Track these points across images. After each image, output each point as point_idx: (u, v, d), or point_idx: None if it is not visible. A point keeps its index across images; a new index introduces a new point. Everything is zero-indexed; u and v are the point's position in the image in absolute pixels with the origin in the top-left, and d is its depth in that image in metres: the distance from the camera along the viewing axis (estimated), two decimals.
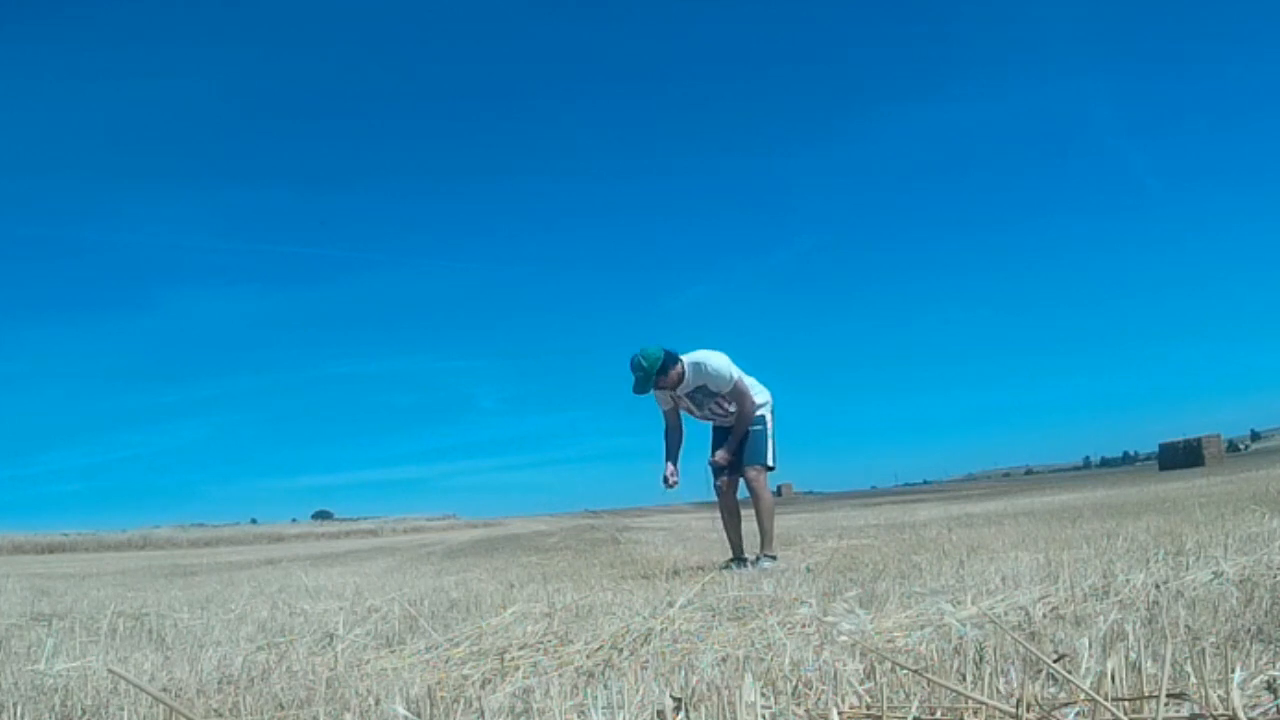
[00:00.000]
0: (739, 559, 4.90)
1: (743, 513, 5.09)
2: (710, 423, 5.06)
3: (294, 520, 49.05)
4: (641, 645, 2.19)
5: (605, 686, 1.71)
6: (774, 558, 4.79)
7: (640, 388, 4.79)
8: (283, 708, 1.83)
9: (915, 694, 1.43)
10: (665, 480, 4.92)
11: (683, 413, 5.05)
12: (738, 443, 4.88)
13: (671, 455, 5.00)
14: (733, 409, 4.87)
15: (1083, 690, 1.20)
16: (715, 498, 5.05)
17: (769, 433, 4.93)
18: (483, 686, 1.94)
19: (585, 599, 3.37)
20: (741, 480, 4.95)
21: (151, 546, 29.60)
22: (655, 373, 4.77)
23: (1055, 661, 1.51)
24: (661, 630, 2.31)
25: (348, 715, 1.73)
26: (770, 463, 4.90)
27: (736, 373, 4.83)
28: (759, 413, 4.91)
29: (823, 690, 1.53)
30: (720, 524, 5.19)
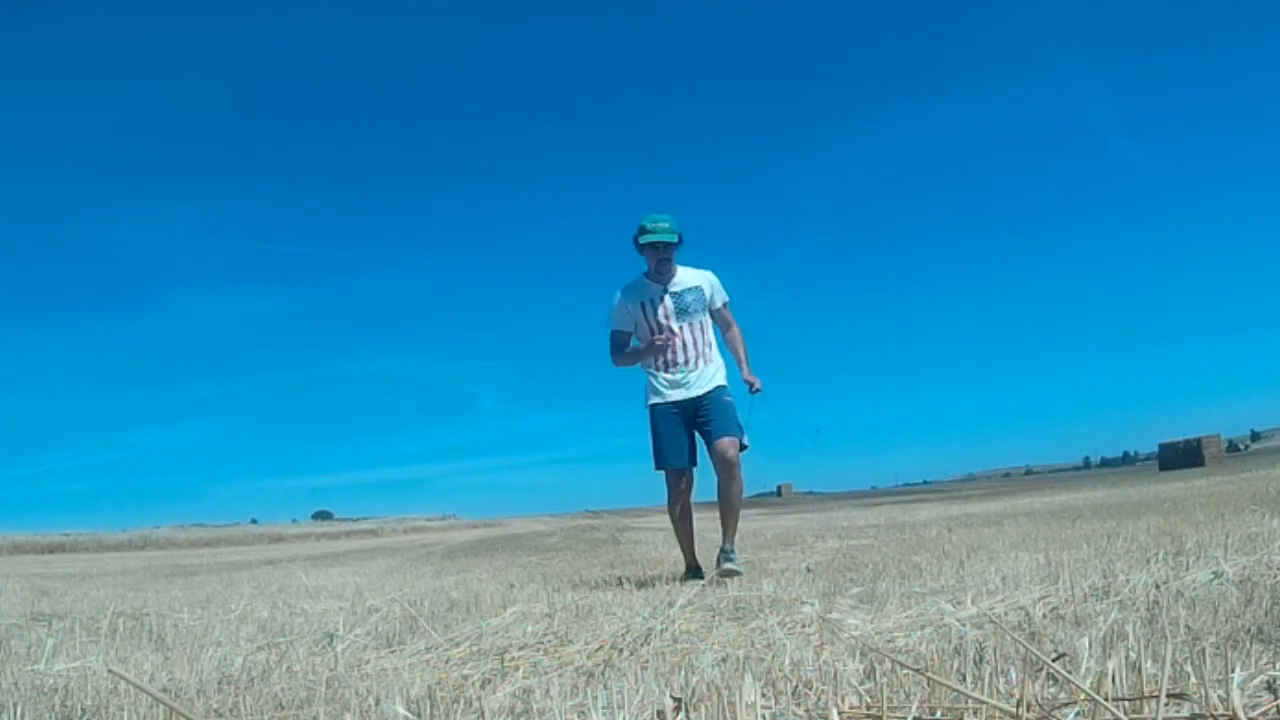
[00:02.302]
0: (698, 570, 4.32)
1: (700, 513, 4.49)
2: (662, 386, 4.21)
3: (294, 520, 49.14)
4: (641, 645, 2.19)
5: (605, 686, 1.71)
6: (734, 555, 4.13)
7: (652, 229, 4.13)
8: (283, 708, 1.83)
9: (915, 694, 1.43)
10: (655, 342, 4.16)
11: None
12: (746, 369, 4.33)
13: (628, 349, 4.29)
14: (696, 367, 4.20)
15: (1083, 690, 1.20)
16: (672, 497, 4.27)
17: (738, 407, 4.23)
18: (483, 686, 1.94)
19: (585, 599, 3.37)
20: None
21: (152, 546, 29.59)
22: (674, 236, 4.15)
23: (1055, 661, 1.51)
24: (661, 630, 2.31)
25: (348, 715, 1.73)
26: (746, 441, 4.18)
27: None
28: (723, 382, 4.24)
29: (823, 690, 1.52)
30: (679, 527, 4.39)
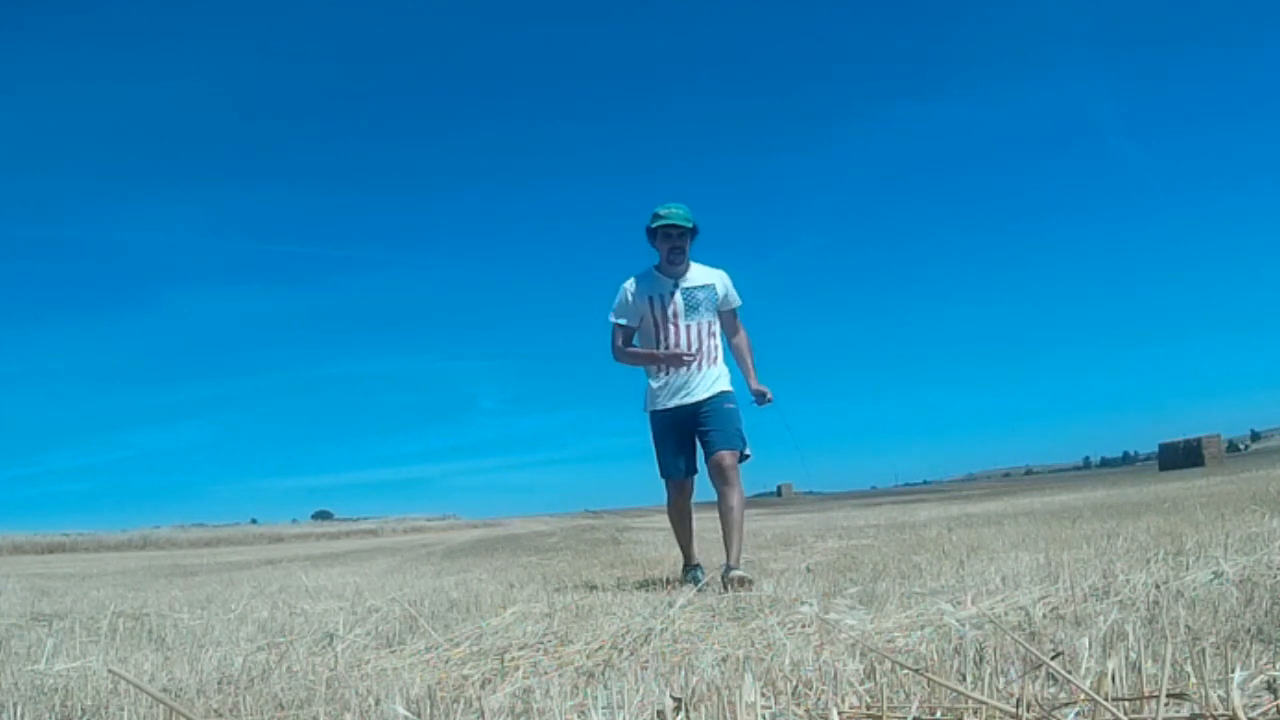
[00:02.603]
0: (697, 567, 4.29)
1: (699, 513, 4.40)
2: (662, 391, 4.03)
3: (294, 520, 49.15)
4: (641, 645, 2.19)
5: (605, 686, 1.71)
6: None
7: (666, 214, 3.98)
8: (283, 708, 1.83)
9: (915, 694, 1.43)
10: (682, 357, 3.97)
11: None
12: (753, 377, 4.19)
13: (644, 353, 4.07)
14: (701, 369, 4.02)
15: (1083, 690, 1.20)
16: (671, 496, 4.18)
17: (740, 415, 4.07)
18: (483, 686, 1.94)
19: (585, 599, 3.37)
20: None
21: (152, 546, 29.59)
22: (691, 226, 4.00)
23: (1054, 660, 1.51)
24: (661, 630, 2.31)
25: (348, 715, 1.73)
26: (747, 450, 4.01)
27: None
28: (727, 387, 4.06)
29: (823, 690, 1.52)
30: (677, 528, 4.32)
